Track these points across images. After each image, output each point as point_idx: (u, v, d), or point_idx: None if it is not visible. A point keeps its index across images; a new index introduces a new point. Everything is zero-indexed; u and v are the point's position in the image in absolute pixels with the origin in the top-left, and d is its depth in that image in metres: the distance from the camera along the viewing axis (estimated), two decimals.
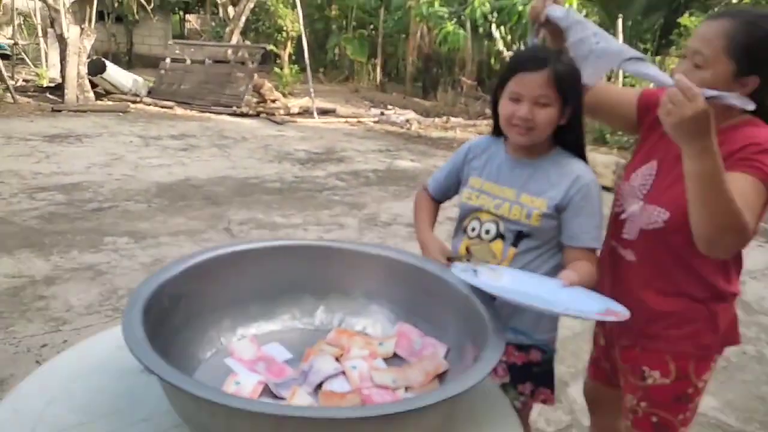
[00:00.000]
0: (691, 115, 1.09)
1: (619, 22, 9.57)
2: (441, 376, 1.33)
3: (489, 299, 1.38)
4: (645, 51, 10.92)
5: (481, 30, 12.44)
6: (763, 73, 1.28)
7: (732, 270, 1.44)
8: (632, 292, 1.46)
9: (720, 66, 1.27)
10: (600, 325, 1.74)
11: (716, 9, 8.85)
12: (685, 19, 9.55)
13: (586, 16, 15.01)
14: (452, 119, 11.45)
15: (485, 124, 11.16)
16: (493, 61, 12.63)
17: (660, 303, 1.45)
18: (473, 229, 1.60)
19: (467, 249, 1.62)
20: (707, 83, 1.22)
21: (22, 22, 12.96)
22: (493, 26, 11.77)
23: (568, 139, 1.53)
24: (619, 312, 1.19)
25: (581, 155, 1.54)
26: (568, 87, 1.43)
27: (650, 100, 1.50)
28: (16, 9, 12.12)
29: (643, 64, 1.27)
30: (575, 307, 1.19)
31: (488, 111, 12.57)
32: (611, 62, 1.31)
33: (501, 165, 1.59)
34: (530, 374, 1.61)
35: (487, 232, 1.57)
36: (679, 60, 1.39)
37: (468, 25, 12.23)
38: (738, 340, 1.51)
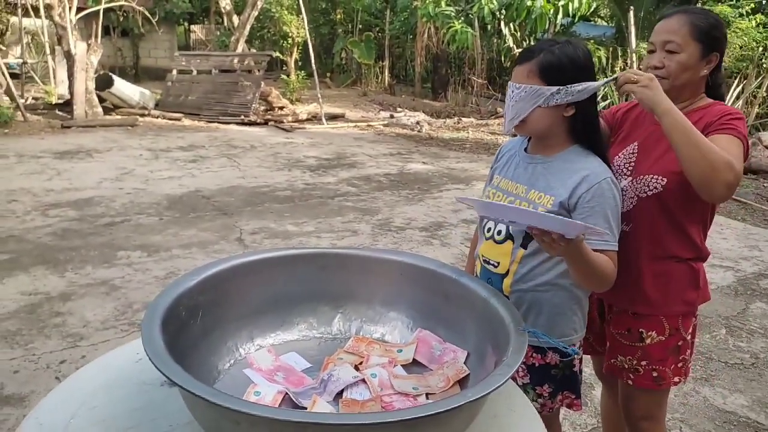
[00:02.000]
0: (651, 84, 1.43)
1: (630, 14, 9.50)
2: (462, 382, 1.31)
3: (508, 302, 1.36)
4: None
5: (489, 28, 12.40)
6: (719, 50, 1.60)
7: (706, 232, 1.69)
8: (625, 261, 1.54)
9: (690, 48, 1.57)
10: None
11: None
12: None
13: (597, 8, 14.96)
14: (464, 119, 11.42)
15: (497, 124, 11.12)
16: (503, 58, 12.58)
17: (650, 267, 1.64)
18: (489, 230, 1.60)
19: (483, 256, 1.61)
20: (684, 64, 1.56)
21: (30, 41, 13.10)
22: (502, 23, 11.73)
23: (583, 134, 1.51)
24: (600, 231, 1.28)
25: (599, 152, 1.52)
26: (559, 76, 1.41)
27: (609, 113, 1.84)
28: (24, 28, 12.26)
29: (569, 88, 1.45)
30: (562, 220, 1.22)
31: (500, 110, 12.42)
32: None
33: (519, 162, 1.60)
34: (549, 376, 1.59)
35: (499, 233, 1.57)
36: (648, 55, 1.65)
37: (476, 23, 12.20)
38: (709, 297, 1.75)
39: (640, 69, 1.61)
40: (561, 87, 1.41)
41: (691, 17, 1.58)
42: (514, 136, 1.63)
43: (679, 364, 1.69)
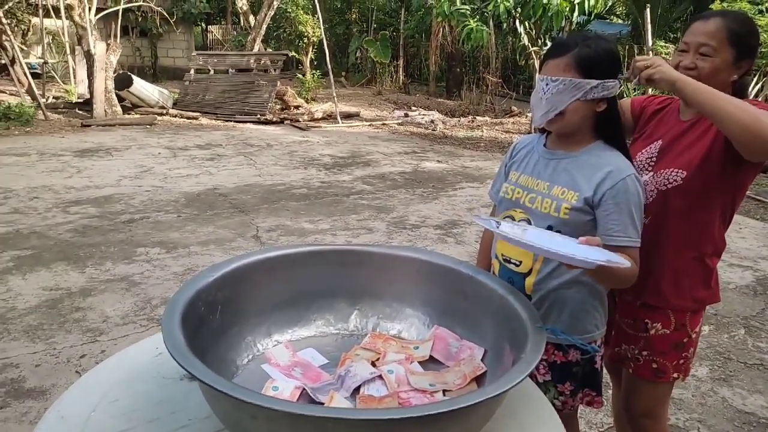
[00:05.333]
0: (665, 67, 1.47)
1: (647, 12, 9.40)
2: (479, 379, 1.31)
3: (526, 299, 1.35)
4: (675, 41, 10.70)
5: (504, 26, 12.31)
6: (752, 57, 1.61)
7: (726, 226, 1.69)
8: (640, 252, 1.52)
9: (725, 53, 1.55)
10: None
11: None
12: (716, 5, 9.36)
13: (613, 6, 14.81)
14: (478, 118, 11.39)
15: (512, 122, 11.07)
16: (517, 57, 12.50)
17: (664, 261, 1.64)
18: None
19: (502, 255, 1.60)
20: (717, 67, 1.55)
21: (50, 41, 13.29)
22: (517, 21, 11.65)
23: (608, 129, 1.50)
24: (620, 263, 1.25)
25: (622, 148, 1.51)
26: (596, 70, 1.41)
27: (640, 103, 1.83)
28: (45, 28, 12.45)
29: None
30: (580, 254, 1.20)
31: (515, 108, 12.36)
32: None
33: (539, 159, 1.59)
34: (570, 374, 1.59)
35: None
36: (676, 53, 1.64)
37: (491, 21, 12.13)
38: (719, 298, 1.75)
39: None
40: (599, 81, 1.41)
41: (729, 22, 1.56)
42: (543, 131, 1.61)
43: (681, 361, 1.70)
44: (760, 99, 9.17)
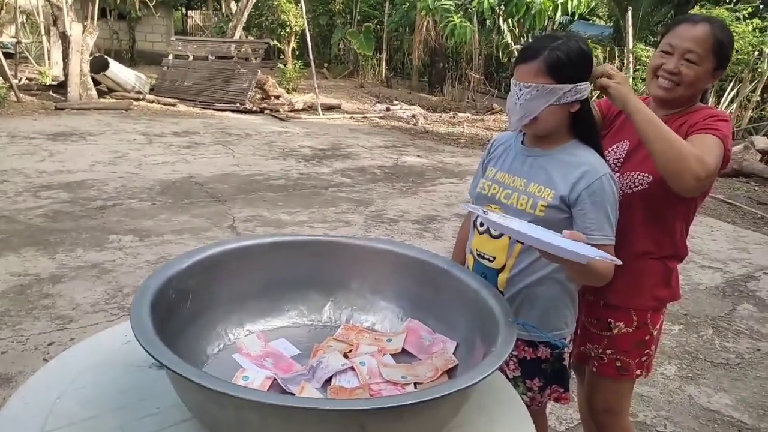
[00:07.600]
0: (626, 86, 1.48)
1: (629, 14, 9.52)
2: (450, 372, 1.32)
3: (498, 294, 1.36)
4: (655, 45, 10.85)
5: (488, 23, 12.37)
6: (725, 67, 1.62)
7: (686, 231, 1.72)
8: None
9: (708, 62, 1.56)
10: None
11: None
12: (696, 12, 9.50)
13: (595, 7, 14.91)
14: (459, 114, 11.41)
15: (493, 119, 11.13)
16: (500, 54, 12.56)
17: (627, 261, 1.58)
18: (482, 224, 1.60)
19: (477, 250, 1.61)
20: (700, 76, 1.57)
21: (25, 21, 12.95)
22: (501, 19, 11.70)
23: (582, 128, 1.52)
24: (614, 260, 1.28)
25: (596, 146, 1.53)
26: (568, 74, 1.41)
27: (605, 103, 1.82)
28: (19, 7, 12.11)
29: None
30: (573, 249, 1.20)
31: (496, 106, 12.43)
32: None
33: (516, 155, 1.60)
34: (539, 370, 1.61)
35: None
36: (657, 53, 1.63)
37: (475, 18, 12.16)
38: (679, 296, 1.79)
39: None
40: (572, 85, 1.41)
41: (716, 30, 1.56)
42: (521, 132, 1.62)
43: (643, 358, 1.74)
44: (734, 105, 9.37)
